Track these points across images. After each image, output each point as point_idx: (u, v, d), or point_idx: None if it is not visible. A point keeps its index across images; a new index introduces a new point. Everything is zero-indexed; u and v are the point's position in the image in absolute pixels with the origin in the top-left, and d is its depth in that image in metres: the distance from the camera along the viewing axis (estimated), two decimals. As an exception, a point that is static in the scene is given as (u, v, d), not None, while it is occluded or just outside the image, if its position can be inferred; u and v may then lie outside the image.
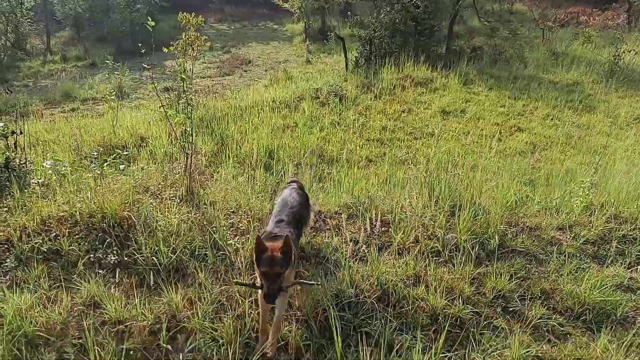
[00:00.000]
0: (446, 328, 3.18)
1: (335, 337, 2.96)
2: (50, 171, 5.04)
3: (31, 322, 3.13)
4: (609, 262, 4.37)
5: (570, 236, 4.82)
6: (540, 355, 3.24)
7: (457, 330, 3.41)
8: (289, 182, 4.34)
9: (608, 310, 3.74)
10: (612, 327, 3.54)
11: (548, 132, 9.51)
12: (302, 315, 3.35)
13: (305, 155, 6.86)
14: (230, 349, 3.01)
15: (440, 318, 3.47)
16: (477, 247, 4.29)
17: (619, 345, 3.30)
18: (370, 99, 10.85)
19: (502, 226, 4.72)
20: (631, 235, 4.84)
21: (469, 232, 4.49)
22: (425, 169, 5.64)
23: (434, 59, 13.53)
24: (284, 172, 5.92)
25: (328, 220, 4.75)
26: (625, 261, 4.41)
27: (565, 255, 4.41)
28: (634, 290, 4.03)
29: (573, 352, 3.28)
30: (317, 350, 3.10)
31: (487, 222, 4.66)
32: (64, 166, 5.19)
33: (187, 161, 4.96)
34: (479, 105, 10.78)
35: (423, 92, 11.61)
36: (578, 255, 4.50)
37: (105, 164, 5.18)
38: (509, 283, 3.92)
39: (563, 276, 4.11)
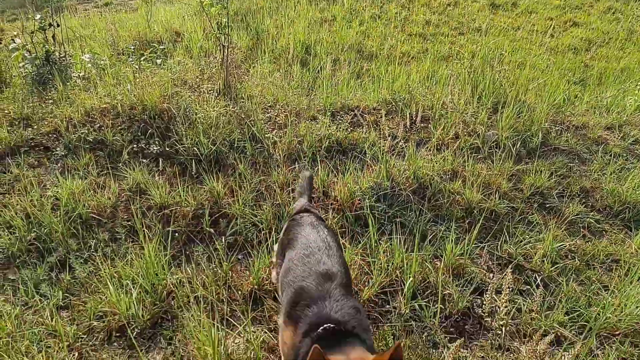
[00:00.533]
0: (480, 221, 3.21)
1: (370, 224, 3.04)
2: (89, 65, 5.09)
3: (84, 205, 3.35)
4: (658, 162, 4.21)
5: (618, 136, 4.62)
6: (573, 249, 3.27)
7: (491, 224, 3.45)
8: (299, 212, 2.60)
9: (650, 210, 3.67)
10: (651, 225, 3.49)
11: (607, 27, 8.74)
12: (337, 205, 3.44)
13: (344, 51, 6.62)
14: (270, 234, 3.17)
15: (475, 211, 3.50)
16: (518, 144, 4.18)
17: (656, 243, 3.27)
18: (414, -9, 10.12)
19: (546, 124, 4.55)
20: (686, 135, 4.60)
21: (511, 129, 4.36)
22: (469, 64, 5.37)
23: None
24: (320, 67, 5.76)
25: (366, 115, 4.68)
26: (676, 162, 4.23)
27: (610, 155, 4.27)
28: (681, 191, 3.91)
29: (607, 247, 3.29)
30: (351, 237, 3.21)
31: (531, 120, 4.50)
32: (102, 60, 5.23)
33: (223, 54, 4.88)
34: (532, -2, 9.92)
35: (471, -17, 10.69)
36: (624, 155, 4.34)
37: (142, 58, 5.17)
38: (548, 180, 3.87)
39: (606, 175, 4.00)
